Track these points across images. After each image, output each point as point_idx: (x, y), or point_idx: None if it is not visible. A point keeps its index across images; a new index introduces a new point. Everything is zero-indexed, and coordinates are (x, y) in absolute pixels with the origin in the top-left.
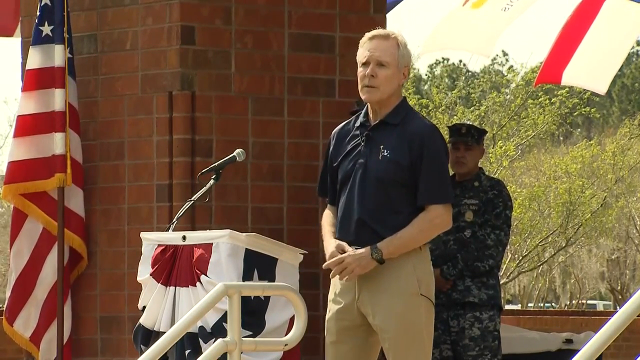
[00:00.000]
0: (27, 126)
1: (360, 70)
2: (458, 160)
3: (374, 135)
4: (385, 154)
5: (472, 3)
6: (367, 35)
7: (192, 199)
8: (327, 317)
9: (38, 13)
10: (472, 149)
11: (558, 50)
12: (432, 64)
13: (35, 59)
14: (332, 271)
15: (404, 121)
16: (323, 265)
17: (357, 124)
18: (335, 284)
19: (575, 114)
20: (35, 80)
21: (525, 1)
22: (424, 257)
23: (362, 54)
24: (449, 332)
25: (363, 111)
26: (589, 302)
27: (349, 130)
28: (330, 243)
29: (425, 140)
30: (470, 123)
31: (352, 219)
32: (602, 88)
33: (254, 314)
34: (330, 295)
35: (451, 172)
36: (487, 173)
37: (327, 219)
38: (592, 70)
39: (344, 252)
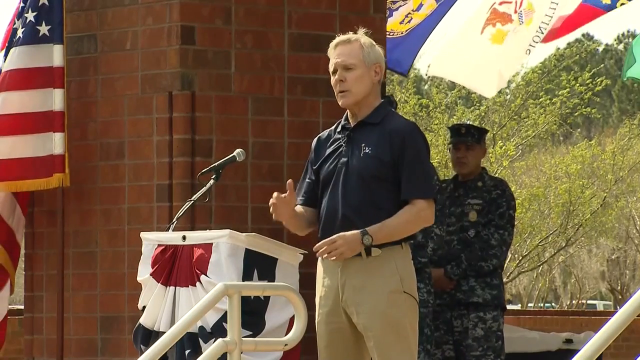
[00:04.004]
0: (20, 125)
1: (332, 79)
2: (459, 160)
3: (355, 135)
4: (367, 150)
5: (492, 35)
6: (331, 44)
7: (192, 199)
8: (316, 320)
9: (34, 13)
10: (473, 149)
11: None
12: (421, 46)
13: (31, 58)
14: (320, 250)
15: (384, 120)
16: (313, 248)
17: (338, 128)
18: (319, 288)
19: (576, 114)
20: (30, 80)
21: (546, 40)
22: (405, 255)
23: (330, 64)
24: (452, 332)
25: (343, 116)
26: (589, 302)
27: (329, 135)
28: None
29: (406, 138)
30: (470, 123)
31: (337, 216)
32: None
33: (254, 314)
34: (317, 299)
35: (454, 173)
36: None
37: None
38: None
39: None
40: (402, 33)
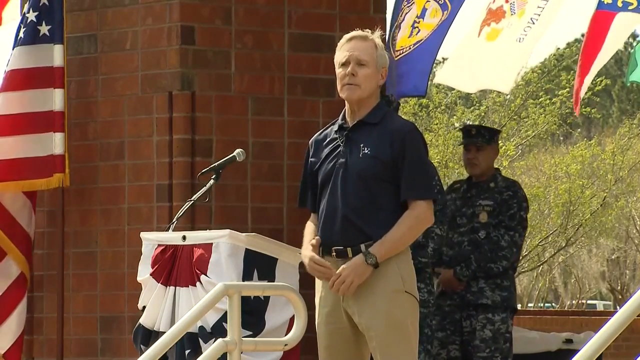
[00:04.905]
0: (20, 125)
1: (339, 70)
2: (470, 161)
3: (353, 135)
4: (366, 151)
5: (487, 34)
6: (346, 37)
7: (192, 199)
8: (316, 321)
9: (35, 13)
10: (483, 150)
11: (581, 77)
12: (432, 64)
13: (31, 58)
14: (333, 289)
15: (383, 120)
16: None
17: (335, 127)
18: (319, 288)
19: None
20: (30, 80)
21: (538, 30)
22: (406, 255)
23: (340, 55)
24: (460, 333)
25: (340, 115)
26: (589, 302)
27: (326, 135)
28: (307, 249)
29: (406, 138)
30: (479, 123)
31: (337, 217)
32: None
33: (253, 314)
34: (317, 299)
35: (461, 174)
36: None
37: (309, 228)
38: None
39: (319, 262)
40: (409, 48)
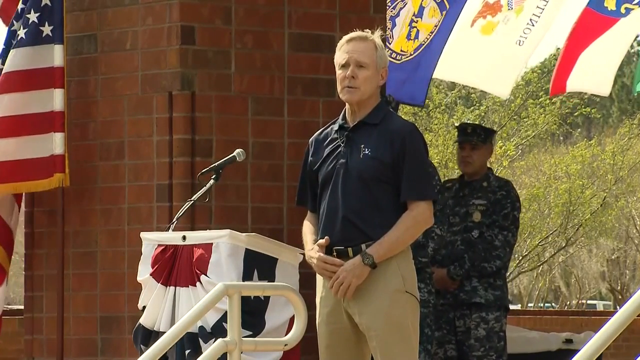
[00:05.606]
0: (20, 126)
1: (339, 72)
2: (464, 159)
3: (354, 135)
4: (367, 152)
5: (482, 26)
6: (345, 38)
7: (192, 199)
8: (317, 321)
9: (37, 14)
10: (478, 149)
11: (562, 62)
12: (432, 72)
13: (33, 59)
14: (333, 291)
15: (384, 121)
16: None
17: (335, 127)
18: (319, 288)
19: (576, 114)
20: (31, 81)
21: (539, 32)
22: (407, 255)
23: (340, 56)
24: (455, 332)
25: (340, 115)
26: (589, 302)
27: (326, 135)
28: (313, 250)
29: (406, 139)
30: (476, 122)
31: (337, 218)
32: (605, 90)
33: (254, 314)
34: (317, 299)
35: (459, 172)
36: None
37: (308, 227)
38: (593, 74)
39: (325, 259)
40: (411, 54)
